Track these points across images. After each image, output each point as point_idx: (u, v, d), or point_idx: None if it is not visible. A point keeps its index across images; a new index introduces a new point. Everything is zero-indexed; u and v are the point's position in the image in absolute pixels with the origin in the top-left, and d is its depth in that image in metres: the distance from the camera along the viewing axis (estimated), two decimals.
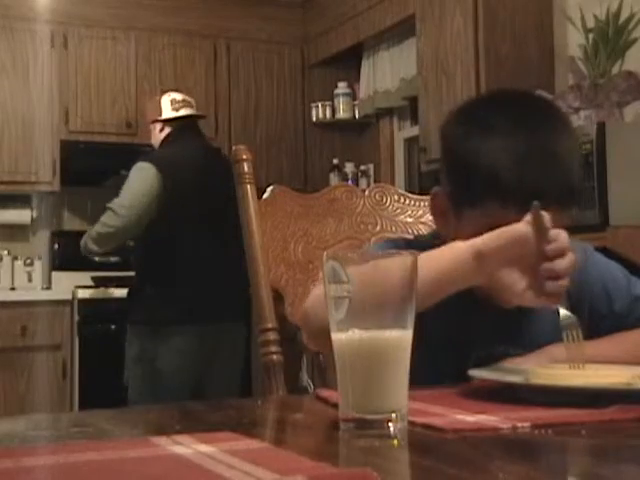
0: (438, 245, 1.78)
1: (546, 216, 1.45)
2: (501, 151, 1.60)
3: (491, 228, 1.57)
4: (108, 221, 4.49)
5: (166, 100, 4.82)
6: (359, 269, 1.13)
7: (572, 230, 1.67)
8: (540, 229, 1.45)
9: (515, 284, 1.48)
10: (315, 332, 1.60)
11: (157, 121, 4.78)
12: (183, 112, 4.76)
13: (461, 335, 1.60)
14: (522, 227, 1.46)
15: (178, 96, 4.86)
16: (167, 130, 4.72)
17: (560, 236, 1.46)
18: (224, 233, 4.46)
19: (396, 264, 1.13)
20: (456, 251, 1.50)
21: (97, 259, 5.15)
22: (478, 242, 1.48)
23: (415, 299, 1.13)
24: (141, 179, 4.49)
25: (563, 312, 1.46)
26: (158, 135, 4.75)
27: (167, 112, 4.76)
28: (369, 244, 2.10)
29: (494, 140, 1.61)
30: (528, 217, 1.46)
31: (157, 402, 4.33)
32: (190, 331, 4.43)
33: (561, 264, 1.45)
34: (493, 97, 1.85)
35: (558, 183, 1.60)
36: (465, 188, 1.65)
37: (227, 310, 4.52)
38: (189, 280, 4.45)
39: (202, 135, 4.85)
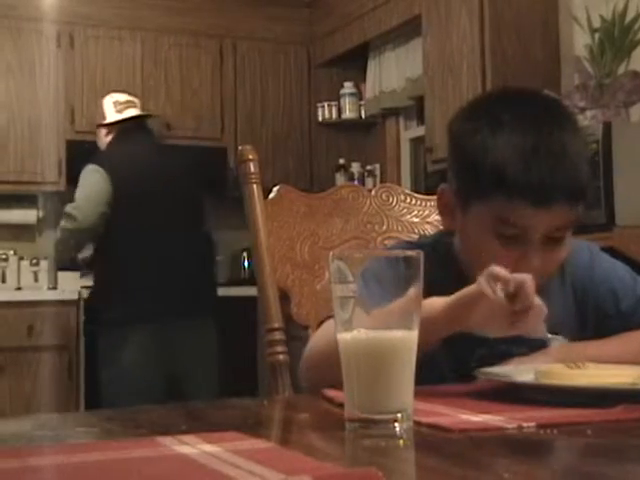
0: (446, 243, 1.79)
1: (499, 276, 1.41)
2: (509, 147, 1.60)
3: (498, 223, 1.57)
4: (66, 225, 4.59)
5: (109, 102, 4.79)
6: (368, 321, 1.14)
7: (578, 230, 1.67)
8: (504, 289, 1.41)
9: (488, 332, 1.49)
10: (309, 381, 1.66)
11: (102, 125, 4.77)
12: (127, 113, 4.72)
13: (463, 334, 1.61)
14: (472, 291, 1.43)
15: (121, 97, 4.82)
16: (113, 133, 4.69)
17: (522, 291, 1.40)
18: (183, 231, 4.49)
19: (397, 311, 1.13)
20: (428, 309, 1.48)
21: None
22: (445, 302, 1.46)
23: (421, 299, 1.13)
24: (92, 183, 4.54)
25: (547, 336, 1.46)
26: (104, 139, 4.73)
27: (111, 115, 4.73)
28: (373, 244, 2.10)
29: (502, 136, 1.62)
30: (481, 280, 1.42)
31: (125, 403, 4.35)
32: (145, 330, 4.42)
33: (529, 322, 1.42)
34: (501, 94, 1.85)
35: (565, 179, 1.59)
36: (472, 183, 1.66)
37: (189, 308, 4.51)
38: (142, 279, 4.45)
39: (151, 134, 4.81)
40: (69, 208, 4.57)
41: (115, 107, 4.73)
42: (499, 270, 1.39)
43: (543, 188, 1.57)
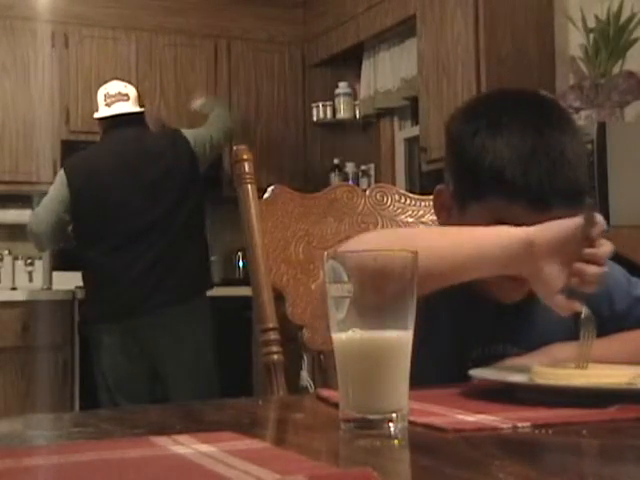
0: None
1: (597, 221, 1.44)
2: (508, 148, 1.61)
3: (496, 224, 1.58)
4: (28, 227, 4.74)
5: (101, 94, 4.76)
6: (360, 264, 1.13)
7: None
8: (587, 231, 1.43)
9: (553, 281, 1.46)
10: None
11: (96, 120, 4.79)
12: (115, 108, 4.68)
13: (461, 334, 1.61)
14: (573, 224, 1.44)
15: (112, 89, 4.75)
16: (102, 129, 4.71)
17: (604, 247, 1.44)
18: (157, 225, 4.47)
19: (397, 260, 1.12)
20: (505, 235, 1.48)
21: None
22: (531, 231, 1.46)
23: (415, 299, 1.13)
24: (53, 187, 4.65)
25: (585, 310, 1.45)
26: (101, 133, 4.78)
27: (101, 109, 4.72)
28: None
29: (501, 137, 1.62)
30: (581, 216, 1.44)
31: (112, 403, 4.38)
32: (115, 328, 4.44)
33: (592, 270, 1.43)
34: (500, 95, 1.84)
35: (564, 184, 1.60)
36: (470, 185, 1.66)
37: (163, 301, 4.46)
38: (112, 278, 4.46)
39: (133, 129, 4.69)
40: (33, 212, 4.76)
41: (105, 100, 4.71)
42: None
43: (542, 192, 1.57)
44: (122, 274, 4.43)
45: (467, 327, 1.65)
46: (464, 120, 1.72)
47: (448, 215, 1.74)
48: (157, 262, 4.45)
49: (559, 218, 1.56)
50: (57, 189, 4.57)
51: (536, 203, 1.57)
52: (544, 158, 1.60)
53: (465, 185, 1.68)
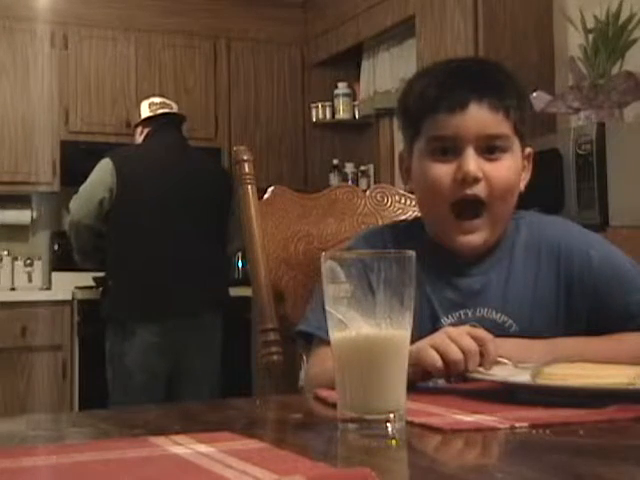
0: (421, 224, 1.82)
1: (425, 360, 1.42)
2: (428, 78, 1.76)
3: (430, 144, 1.70)
4: (68, 217, 4.75)
5: (145, 104, 4.95)
6: None
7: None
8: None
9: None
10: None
11: (136, 125, 4.93)
12: (160, 112, 4.86)
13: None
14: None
15: (157, 99, 4.99)
16: (145, 132, 4.79)
17: (456, 366, 1.41)
18: (194, 228, 4.51)
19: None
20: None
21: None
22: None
23: (413, 300, 1.13)
24: (95, 172, 4.66)
25: (505, 362, 1.46)
26: (138, 138, 4.85)
27: (145, 114, 4.88)
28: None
29: (425, 76, 1.78)
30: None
31: (129, 401, 4.39)
32: (154, 327, 4.46)
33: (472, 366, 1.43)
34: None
35: (477, 83, 1.70)
36: (407, 124, 1.78)
37: (197, 305, 4.57)
38: (153, 275, 4.47)
39: (178, 134, 4.89)
40: (71, 200, 4.72)
41: (150, 108, 4.89)
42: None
43: (455, 94, 1.68)
44: (166, 275, 4.48)
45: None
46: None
47: (410, 175, 1.80)
48: (198, 267, 4.53)
49: (483, 119, 1.67)
50: (98, 174, 4.61)
51: (451, 106, 1.67)
52: (460, 73, 1.74)
53: (406, 129, 1.79)
